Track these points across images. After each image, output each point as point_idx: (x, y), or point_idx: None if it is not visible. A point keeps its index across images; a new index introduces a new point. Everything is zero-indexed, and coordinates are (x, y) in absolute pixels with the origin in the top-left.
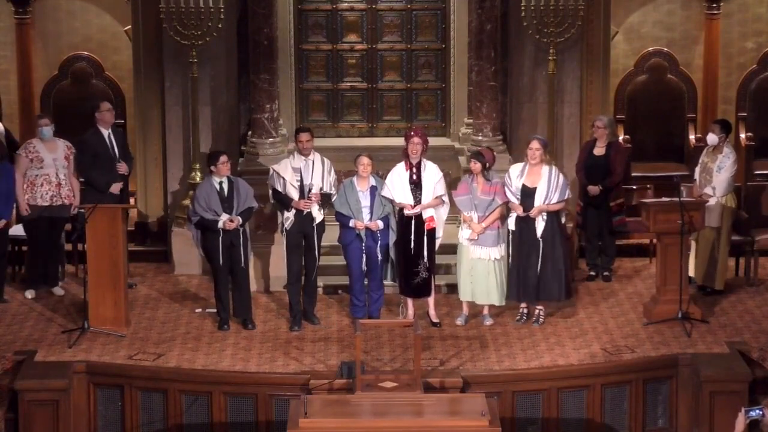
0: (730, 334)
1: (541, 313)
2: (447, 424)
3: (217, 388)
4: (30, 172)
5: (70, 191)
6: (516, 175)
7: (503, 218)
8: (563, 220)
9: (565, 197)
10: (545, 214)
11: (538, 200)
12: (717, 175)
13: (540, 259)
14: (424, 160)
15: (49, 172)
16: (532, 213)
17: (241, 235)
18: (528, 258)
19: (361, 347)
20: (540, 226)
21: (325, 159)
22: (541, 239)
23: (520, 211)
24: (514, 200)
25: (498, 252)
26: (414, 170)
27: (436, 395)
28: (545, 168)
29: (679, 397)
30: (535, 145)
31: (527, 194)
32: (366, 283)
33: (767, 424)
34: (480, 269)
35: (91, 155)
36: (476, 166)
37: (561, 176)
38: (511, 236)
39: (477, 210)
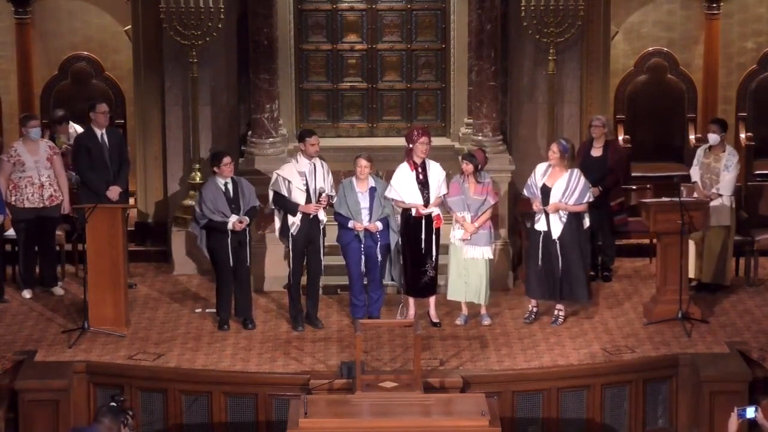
0: (730, 334)
1: (561, 313)
2: (447, 424)
3: (217, 388)
4: (14, 174)
5: (55, 191)
6: (540, 174)
7: (495, 218)
8: (587, 223)
9: (584, 200)
10: (564, 216)
11: (553, 199)
12: (725, 174)
13: (560, 261)
14: (427, 159)
15: (31, 174)
16: (549, 209)
17: (248, 234)
18: (548, 258)
19: (361, 347)
20: (558, 227)
21: (324, 161)
22: (558, 240)
23: (536, 206)
24: (535, 198)
25: (491, 251)
26: (420, 170)
27: (436, 395)
28: (568, 171)
29: (679, 397)
30: (553, 147)
31: (546, 194)
32: (365, 283)
33: (762, 424)
34: (473, 269)
35: (85, 155)
36: (468, 167)
37: (582, 180)
38: (541, 237)
39: (469, 210)
